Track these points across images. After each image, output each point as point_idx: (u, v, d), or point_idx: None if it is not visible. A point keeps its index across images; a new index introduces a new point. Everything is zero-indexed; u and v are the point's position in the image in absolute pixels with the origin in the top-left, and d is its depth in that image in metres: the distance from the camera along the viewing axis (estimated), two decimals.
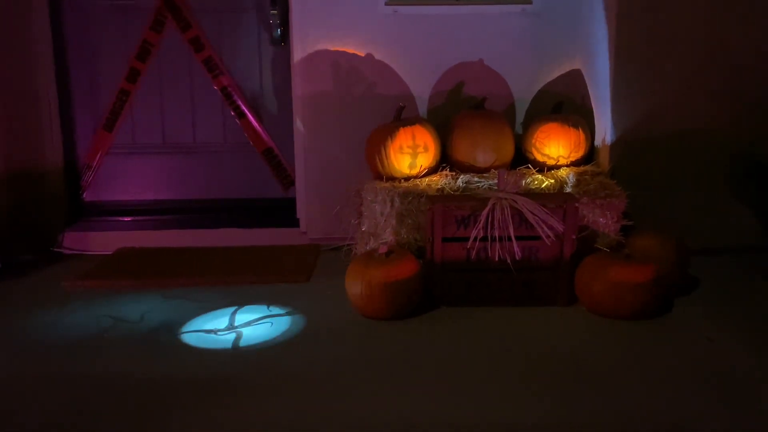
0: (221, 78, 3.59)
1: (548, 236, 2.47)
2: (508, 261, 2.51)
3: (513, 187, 2.55)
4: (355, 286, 2.48)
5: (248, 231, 3.58)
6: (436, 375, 2.08)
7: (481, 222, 2.48)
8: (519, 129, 3.43)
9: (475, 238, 2.49)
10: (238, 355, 2.26)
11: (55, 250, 3.50)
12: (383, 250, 2.49)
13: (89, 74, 3.61)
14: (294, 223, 3.59)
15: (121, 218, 3.66)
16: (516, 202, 2.48)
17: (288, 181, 3.69)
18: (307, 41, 3.37)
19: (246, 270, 3.08)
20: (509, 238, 2.49)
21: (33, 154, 3.47)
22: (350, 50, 3.37)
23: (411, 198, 2.75)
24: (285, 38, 3.48)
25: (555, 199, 2.57)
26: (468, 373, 2.09)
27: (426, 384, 2.03)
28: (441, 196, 2.71)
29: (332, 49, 3.37)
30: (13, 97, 3.40)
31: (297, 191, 3.57)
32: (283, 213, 3.64)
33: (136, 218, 3.66)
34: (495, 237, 2.49)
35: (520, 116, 3.46)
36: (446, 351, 2.25)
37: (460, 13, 3.35)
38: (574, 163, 3.15)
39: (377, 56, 3.38)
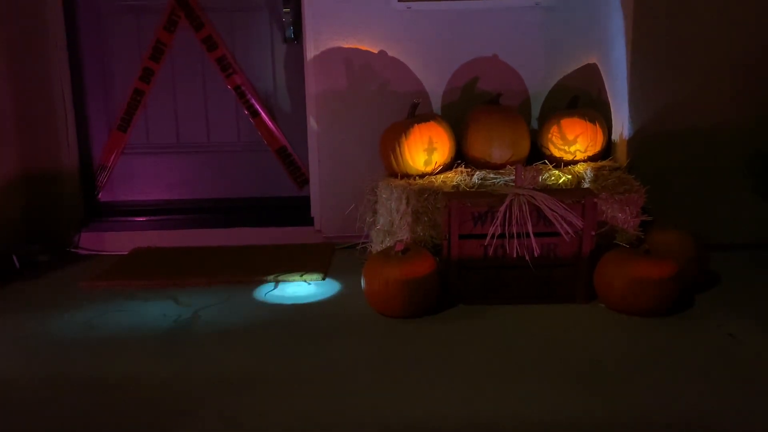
0: (234, 77, 3.58)
1: (567, 233, 2.44)
2: (527, 258, 2.48)
3: (530, 182, 2.52)
4: (371, 284, 2.46)
5: (263, 230, 3.57)
6: (455, 374, 2.06)
7: (499, 218, 2.46)
8: (534, 124, 3.40)
9: (493, 236, 2.47)
10: (255, 353, 2.25)
11: (71, 250, 3.51)
12: (399, 247, 2.47)
13: (103, 75, 3.61)
14: (308, 221, 3.58)
15: (136, 218, 3.66)
16: (534, 198, 2.46)
17: (302, 179, 3.68)
18: (319, 39, 3.35)
19: (260, 268, 3.07)
20: (527, 235, 2.46)
21: (48, 156, 3.49)
22: (363, 47, 3.35)
23: (427, 195, 2.72)
24: (298, 36, 3.47)
25: (574, 194, 2.54)
26: (488, 372, 2.07)
27: (445, 383, 2.01)
28: (457, 193, 2.68)
29: (345, 46, 3.35)
30: (29, 99, 3.43)
31: (311, 189, 3.57)
32: (297, 212, 3.63)
33: (151, 218, 3.66)
34: (513, 234, 2.47)
35: (535, 111, 3.42)
36: (465, 349, 2.23)
37: (474, 8, 3.32)
38: (591, 158, 3.11)
39: (390, 53, 3.36)
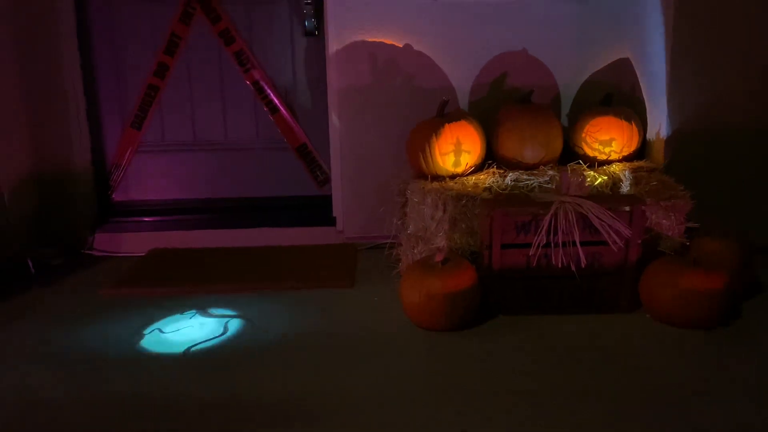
0: (253, 72, 3.45)
1: (615, 242, 2.36)
2: (572, 267, 2.40)
3: (576, 189, 2.42)
4: (412, 296, 2.37)
5: (282, 230, 3.47)
6: (504, 390, 1.98)
7: (544, 227, 2.36)
8: (564, 121, 3.29)
9: (538, 245, 2.37)
10: (291, 372, 2.15)
11: (86, 252, 3.40)
12: (440, 258, 2.38)
13: (116, 70, 3.47)
14: (330, 221, 3.47)
15: (151, 218, 3.55)
16: (581, 206, 2.36)
17: (323, 178, 3.57)
18: (342, 32, 3.22)
19: (286, 274, 2.97)
20: (573, 244, 2.37)
21: (61, 155, 3.35)
22: (388, 41, 3.23)
23: (465, 201, 2.61)
24: (319, 29, 3.34)
25: (620, 201, 2.44)
26: (538, 389, 1.99)
27: (494, 401, 1.92)
28: (500, 200, 2.58)
29: (369, 40, 3.22)
30: (40, 97, 3.28)
31: (333, 189, 3.46)
32: (318, 211, 3.52)
33: (167, 218, 3.55)
34: (558, 243, 2.37)
35: (565, 107, 3.32)
36: (513, 363, 2.15)
37: (503, 0, 3.20)
38: (626, 158, 3.02)
39: (416, 47, 3.24)
